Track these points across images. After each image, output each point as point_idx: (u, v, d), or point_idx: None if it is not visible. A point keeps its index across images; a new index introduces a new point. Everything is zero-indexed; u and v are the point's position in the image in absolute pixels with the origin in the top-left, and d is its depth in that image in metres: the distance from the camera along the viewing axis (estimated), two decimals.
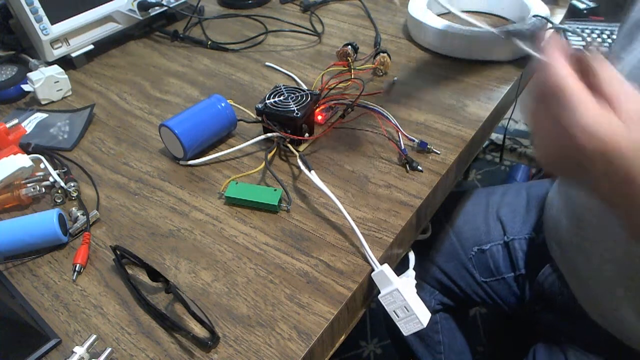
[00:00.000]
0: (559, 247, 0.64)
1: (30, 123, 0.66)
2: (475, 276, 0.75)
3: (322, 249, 0.48)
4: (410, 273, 0.49)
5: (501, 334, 1.23)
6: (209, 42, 0.82)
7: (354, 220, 0.47)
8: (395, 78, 0.70)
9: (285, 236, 0.49)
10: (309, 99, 0.58)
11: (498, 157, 1.75)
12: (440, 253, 0.78)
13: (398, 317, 0.44)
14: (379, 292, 0.45)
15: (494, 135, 1.77)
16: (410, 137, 0.59)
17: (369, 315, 1.29)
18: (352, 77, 0.69)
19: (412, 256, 0.54)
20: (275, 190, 0.52)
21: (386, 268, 0.45)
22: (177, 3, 0.87)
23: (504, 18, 0.83)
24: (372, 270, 0.45)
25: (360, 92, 0.61)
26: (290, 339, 0.41)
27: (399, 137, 0.59)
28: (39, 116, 0.67)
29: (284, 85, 0.61)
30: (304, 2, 0.92)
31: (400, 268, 0.50)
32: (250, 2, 0.94)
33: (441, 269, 0.77)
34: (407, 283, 0.45)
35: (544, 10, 0.73)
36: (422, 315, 0.44)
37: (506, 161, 1.74)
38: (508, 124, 1.70)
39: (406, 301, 0.43)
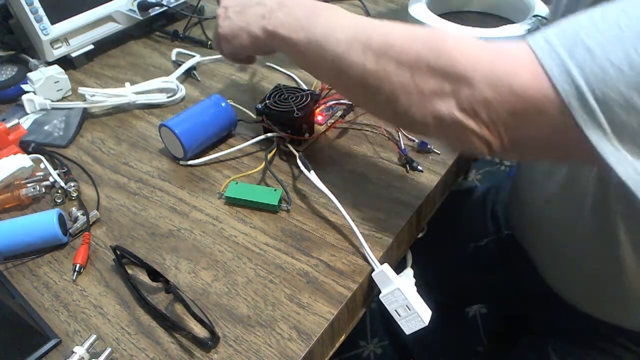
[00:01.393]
0: (522, 231, 0.67)
1: (27, 120, 0.66)
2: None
3: (322, 249, 0.48)
4: (409, 272, 0.49)
5: (501, 334, 1.23)
6: (209, 42, 0.81)
7: (353, 221, 0.47)
8: None
9: (285, 236, 0.49)
10: (309, 99, 0.58)
11: None
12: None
13: (400, 316, 0.44)
14: (380, 292, 0.45)
15: None
16: (410, 137, 0.59)
17: (369, 315, 1.29)
18: None
19: (409, 255, 0.55)
20: (275, 190, 0.52)
21: (386, 268, 0.45)
22: (177, 3, 0.87)
23: (505, 18, 0.83)
24: (372, 270, 0.45)
25: None
26: (290, 339, 0.41)
27: (399, 137, 0.59)
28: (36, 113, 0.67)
29: (284, 85, 0.61)
30: None
31: (397, 267, 0.50)
32: None
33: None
34: (407, 282, 0.45)
35: (544, 10, 0.73)
36: (424, 313, 0.44)
37: (506, 161, 1.74)
38: None
39: (407, 300, 0.43)
